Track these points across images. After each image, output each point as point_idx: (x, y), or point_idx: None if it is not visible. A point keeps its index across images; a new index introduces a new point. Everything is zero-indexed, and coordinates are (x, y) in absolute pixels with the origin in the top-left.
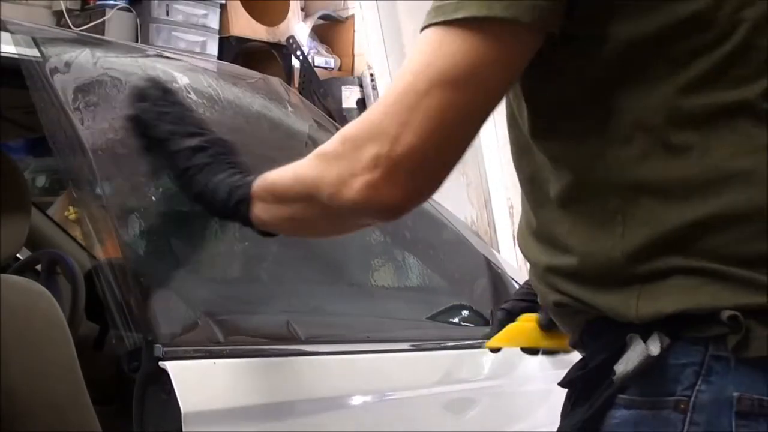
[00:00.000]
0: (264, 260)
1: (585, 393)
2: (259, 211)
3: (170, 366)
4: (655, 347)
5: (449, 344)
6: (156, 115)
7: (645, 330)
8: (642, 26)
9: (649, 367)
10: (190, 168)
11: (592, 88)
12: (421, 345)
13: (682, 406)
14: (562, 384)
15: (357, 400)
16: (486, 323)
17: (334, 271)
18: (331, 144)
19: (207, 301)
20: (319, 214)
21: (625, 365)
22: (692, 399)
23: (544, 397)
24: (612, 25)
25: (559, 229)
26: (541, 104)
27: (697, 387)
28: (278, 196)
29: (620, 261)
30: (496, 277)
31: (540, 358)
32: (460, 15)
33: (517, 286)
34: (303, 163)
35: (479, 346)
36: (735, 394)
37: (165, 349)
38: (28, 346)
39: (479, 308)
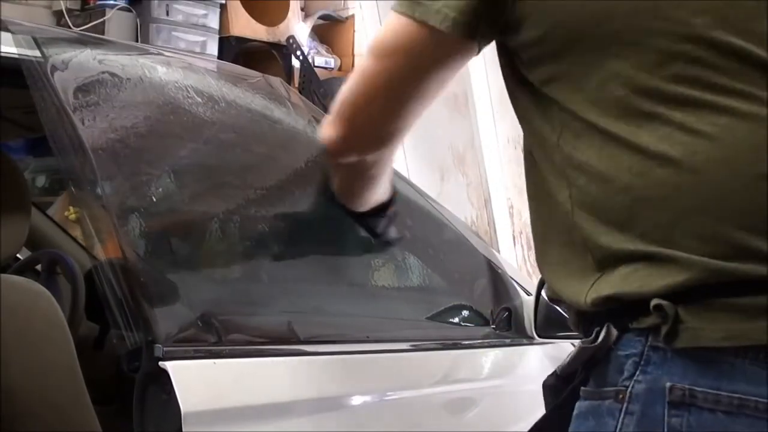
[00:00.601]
0: (264, 260)
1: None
2: None
3: (170, 366)
4: (601, 338)
5: (449, 344)
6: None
7: (603, 322)
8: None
9: (588, 358)
10: None
11: (537, 82)
12: (421, 345)
13: (621, 396)
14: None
15: (357, 400)
16: (486, 323)
17: (334, 271)
18: None
19: (207, 301)
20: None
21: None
22: (629, 389)
23: None
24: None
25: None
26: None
27: (635, 377)
28: None
29: (573, 227)
30: (496, 277)
31: (540, 358)
32: (396, 8)
33: (518, 287)
34: None
35: (479, 346)
36: (668, 384)
37: (165, 349)
38: (28, 346)
39: (479, 308)
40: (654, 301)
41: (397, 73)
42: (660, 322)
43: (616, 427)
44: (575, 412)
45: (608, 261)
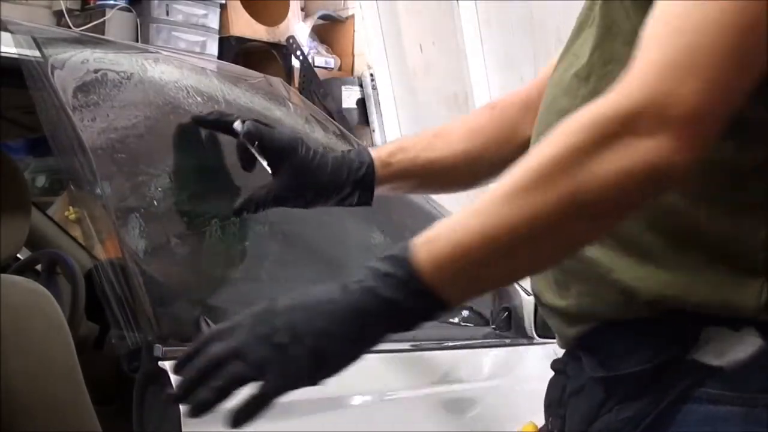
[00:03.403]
0: (265, 260)
1: (635, 390)
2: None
3: (170, 366)
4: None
5: (449, 344)
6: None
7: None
8: None
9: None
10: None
11: None
12: (421, 345)
13: None
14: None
15: (357, 400)
16: (486, 323)
17: (334, 271)
18: None
19: (207, 301)
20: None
21: (728, 356)
22: None
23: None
24: None
25: None
26: None
27: None
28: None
29: None
30: None
31: (540, 358)
32: None
33: (518, 286)
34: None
35: (479, 346)
36: None
37: (165, 348)
38: (28, 346)
39: (479, 308)
40: None
41: None
42: None
43: None
44: (695, 417)
45: None
